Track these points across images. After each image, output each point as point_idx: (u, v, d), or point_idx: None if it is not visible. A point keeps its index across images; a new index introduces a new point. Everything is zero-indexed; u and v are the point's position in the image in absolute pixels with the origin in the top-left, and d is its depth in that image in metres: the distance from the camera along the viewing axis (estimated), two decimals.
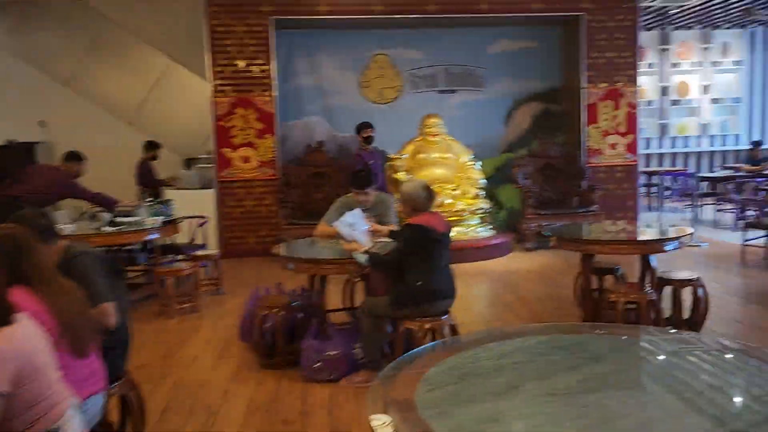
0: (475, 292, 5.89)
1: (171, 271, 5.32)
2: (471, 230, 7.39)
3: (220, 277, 6.09)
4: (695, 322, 4.32)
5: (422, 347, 2.45)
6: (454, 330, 3.75)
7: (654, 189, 11.37)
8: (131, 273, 6.37)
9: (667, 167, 13.10)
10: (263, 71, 7.73)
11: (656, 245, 4.12)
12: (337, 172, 8.00)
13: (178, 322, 5.20)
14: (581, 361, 1.99)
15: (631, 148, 8.39)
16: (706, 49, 12.95)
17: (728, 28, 12.52)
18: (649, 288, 4.06)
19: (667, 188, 11.08)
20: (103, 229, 5.32)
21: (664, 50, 12.91)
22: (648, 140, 12.99)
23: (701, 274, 6.04)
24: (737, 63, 12.71)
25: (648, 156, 13.03)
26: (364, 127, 7.11)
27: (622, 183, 8.42)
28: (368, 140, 7.06)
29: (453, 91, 8.75)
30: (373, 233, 3.99)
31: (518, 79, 8.82)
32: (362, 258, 3.70)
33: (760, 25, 12.51)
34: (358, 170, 4.77)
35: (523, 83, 8.84)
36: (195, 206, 7.76)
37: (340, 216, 4.57)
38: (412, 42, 8.61)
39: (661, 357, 2.08)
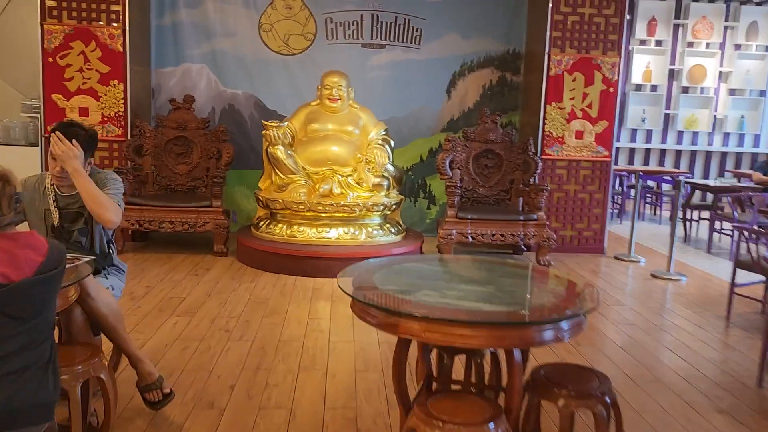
0: (306, 337, 3.84)
1: None
2: (364, 233, 5.31)
3: None
4: None
5: None
6: None
7: (643, 194, 9.12)
8: None
9: (669, 168, 10.82)
10: None
11: (519, 333, 2.03)
12: (206, 137, 5.93)
13: None
14: None
15: (604, 138, 6.17)
16: (729, 28, 10.52)
17: (759, 3, 10.08)
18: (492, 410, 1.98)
19: (654, 192, 8.86)
20: None
21: (677, 26, 10.51)
22: (649, 132, 10.71)
23: (662, 331, 3.92)
24: (765, 49, 10.28)
25: (647, 152, 10.75)
26: None
27: (588, 184, 6.24)
28: None
29: (381, 47, 6.58)
30: None
31: (469, 36, 6.60)
32: None
33: None
34: (65, 121, 2.77)
35: (474, 43, 6.62)
36: (17, 170, 5.78)
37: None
38: None
39: None
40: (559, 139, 6.13)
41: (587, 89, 6.08)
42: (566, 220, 6.27)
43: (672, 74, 10.61)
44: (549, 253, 5.62)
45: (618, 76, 6.10)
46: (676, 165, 10.90)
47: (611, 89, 6.10)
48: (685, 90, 10.64)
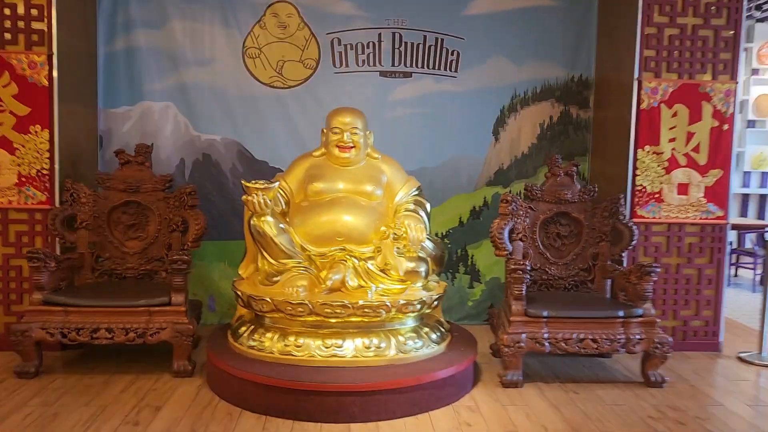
0: None
1: None
2: (394, 345, 3.50)
3: None
4: None
5: None
6: None
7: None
8: None
9: (733, 215, 9.01)
10: (35, 10, 3.97)
11: None
12: (166, 202, 4.18)
13: None
14: None
15: (717, 194, 4.41)
16: None
17: None
18: None
19: (745, 252, 7.06)
20: None
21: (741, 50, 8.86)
22: None
23: None
24: None
25: None
26: None
27: (696, 256, 4.45)
28: None
29: (407, 75, 4.89)
30: None
31: (521, 60, 4.91)
32: None
33: None
34: None
35: (528, 69, 4.92)
36: None
37: None
38: None
39: None
40: (656, 196, 4.37)
41: (692, 127, 4.35)
42: (666, 305, 4.47)
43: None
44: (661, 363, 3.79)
45: (733, 108, 4.39)
46: (743, 211, 9.12)
47: (725, 126, 4.38)
48: (752, 124, 8.97)
